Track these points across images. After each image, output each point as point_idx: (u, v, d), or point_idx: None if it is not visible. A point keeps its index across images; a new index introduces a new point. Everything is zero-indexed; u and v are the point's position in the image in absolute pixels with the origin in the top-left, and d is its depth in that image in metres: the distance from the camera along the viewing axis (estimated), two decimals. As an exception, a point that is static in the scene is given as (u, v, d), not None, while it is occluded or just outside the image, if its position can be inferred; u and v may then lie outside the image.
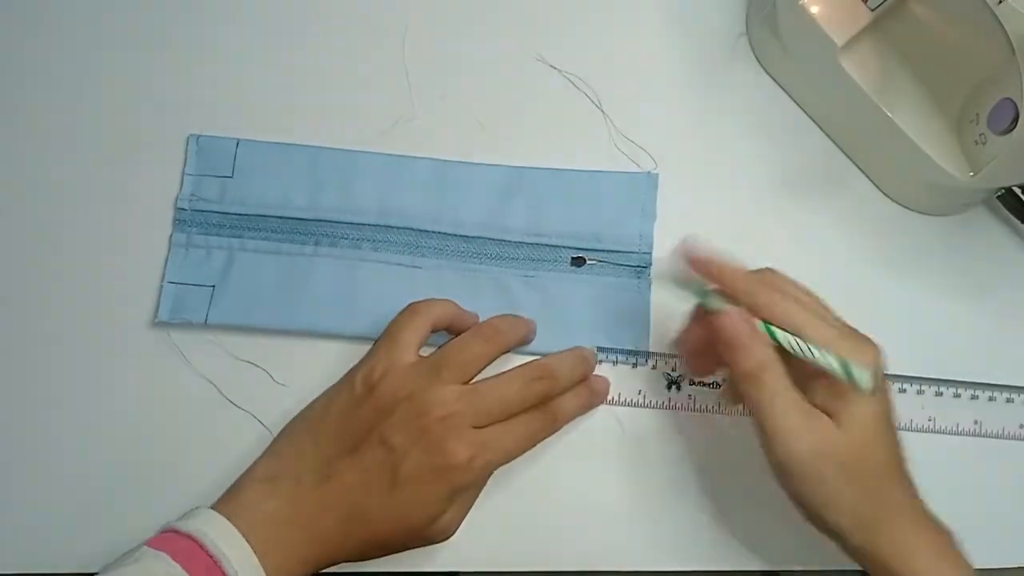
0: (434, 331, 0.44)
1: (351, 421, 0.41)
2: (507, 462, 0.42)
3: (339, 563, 0.41)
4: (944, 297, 0.50)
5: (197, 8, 0.51)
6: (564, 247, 0.48)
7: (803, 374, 0.39)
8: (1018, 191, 0.49)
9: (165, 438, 0.46)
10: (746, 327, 0.39)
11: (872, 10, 0.47)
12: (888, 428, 0.40)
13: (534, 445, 0.43)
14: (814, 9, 0.47)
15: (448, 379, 0.41)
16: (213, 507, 0.39)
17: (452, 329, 0.45)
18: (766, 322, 0.39)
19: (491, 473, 0.42)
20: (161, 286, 0.46)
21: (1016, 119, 0.42)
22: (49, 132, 0.49)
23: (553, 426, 0.44)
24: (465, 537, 0.44)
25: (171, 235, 0.47)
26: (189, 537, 0.37)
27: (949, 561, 0.39)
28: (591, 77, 0.51)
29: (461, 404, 0.41)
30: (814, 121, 0.52)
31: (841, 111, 0.50)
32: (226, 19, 0.51)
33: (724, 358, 0.40)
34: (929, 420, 0.48)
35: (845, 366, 0.37)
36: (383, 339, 0.43)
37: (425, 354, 0.43)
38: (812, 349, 0.38)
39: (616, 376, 0.47)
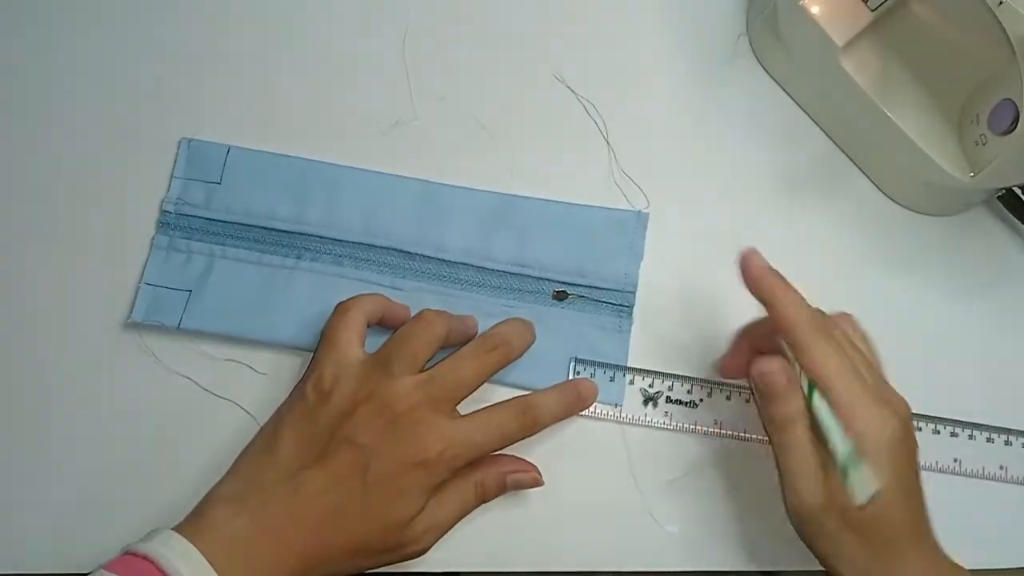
0: (368, 326, 0.44)
1: (310, 430, 0.40)
2: (477, 456, 0.41)
3: None
4: (944, 297, 0.50)
5: (196, 9, 0.51)
6: (547, 279, 0.47)
7: None
8: (1018, 191, 0.49)
9: (142, 438, 0.45)
10: (784, 378, 0.39)
11: (872, 10, 0.47)
12: (901, 488, 0.39)
13: (507, 444, 0.42)
14: (814, 9, 0.47)
15: (400, 371, 0.41)
16: (175, 528, 0.38)
17: (384, 322, 0.45)
18: (812, 385, 0.39)
19: (458, 467, 0.41)
20: (138, 287, 0.46)
21: (1016, 120, 0.42)
22: (39, 128, 0.49)
23: (530, 429, 0.43)
24: (465, 537, 0.44)
25: (153, 237, 0.47)
26: (147, 559, 0.36)
27: None
28: (590, 77, 0.51)
29: (421, 392, 0.40)
30: (814, 121, 0.52)
31: (841, 111, 0.50)
32: (225, 20, 0.51)
33: (758, 399, 0.41)
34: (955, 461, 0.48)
35: (845, 470, 0.37)
36: (323, 345, 0.43)
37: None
38: (835, 437, 0.38)
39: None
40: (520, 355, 0.44)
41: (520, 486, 0.44)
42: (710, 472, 0.46)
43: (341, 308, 0.43)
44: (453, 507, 0.42)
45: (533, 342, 0.45)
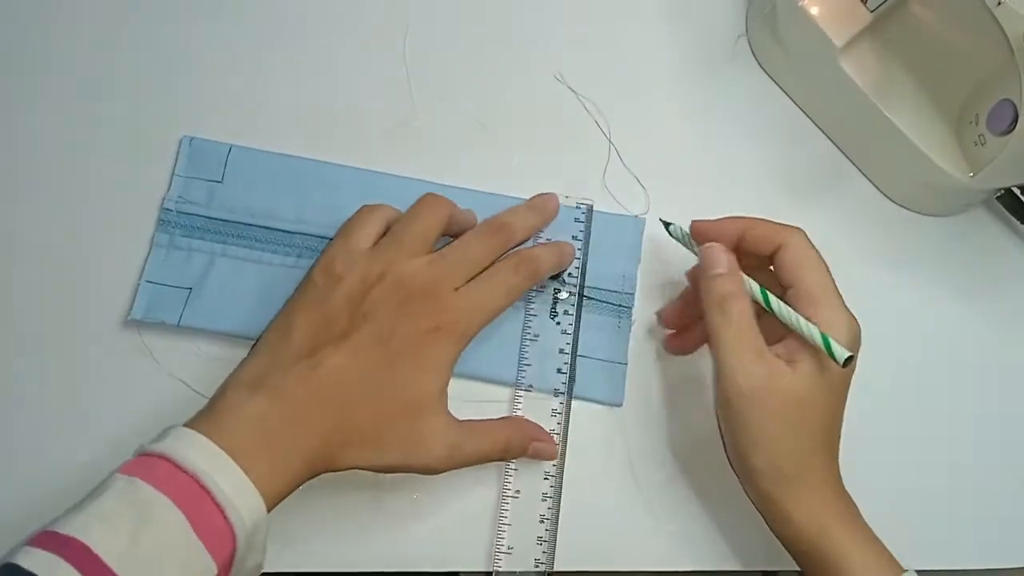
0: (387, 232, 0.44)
1: (323, 313, 0.40)
2: (490, 319, 0.42)
3: (334, 466, 0.39)
4: (944, 297, 0.50)
5: (197, 8, 0.51)
6: (547, 279, 0.47)
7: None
8: (1017, 191, 0.49)
9: (142, 437, 0.44)
10: (725, 258, 0.41)
11: (872, 11, 0.47)
12: (836, 399, 0.41)
13: (515, 298, 0.43)
14: (814, 10, 0.47)
15: (411, 251, 0.41)
16: (188, 424, 0.37)
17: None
18: (762, 287, 0.41)
19: (473, 334, 0.42)
20: (138, 284, 0.46)
21: (1015, 120, 0.42)
22: (39, 127, 0.49)
23: (532, 279, 0.44)
24: (466, 537, 0.44)
25: (154, 235, 0.47)
26: (162, 457, 0.35)
27: (855, 525, 0.40)
28: (591, 78, 0.51)
29: (433, 269, 0.41)
30: (814, 122, 0.52)
31: (841, 112, 0.50)
32: (226, 19, 0.51)
33: (699, 292, 0.42)
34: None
35: (825, 339, 0.39)
36: (337, 236, 0.43)
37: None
38: (798, 319, 0.40)
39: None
40: (523, 240, 0.45)
41: (539, 455, 0.44)
42: (709, 472, 0.46)
43: (365, 208, 0.44)
44: (481, 443, 0.42)
45: (539, 227, 0.46)
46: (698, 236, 0.44)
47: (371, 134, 0.50)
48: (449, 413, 0.41)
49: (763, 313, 0.41)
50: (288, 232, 0.47)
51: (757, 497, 0.42)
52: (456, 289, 0.41)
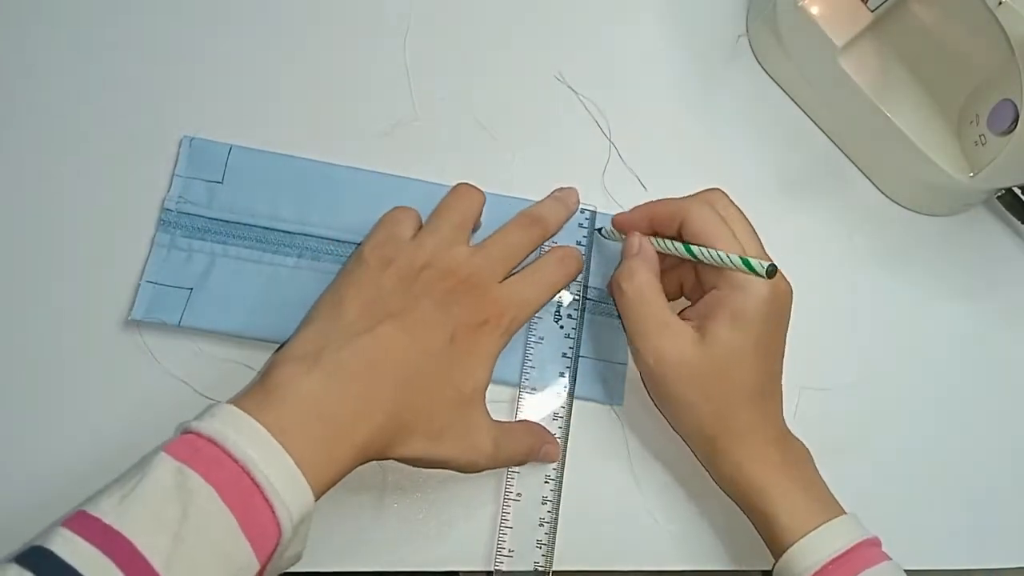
0: None
1: (375, 294, 0.40)
2: (533, 314, 0.44)
3: (386, 453, 0.38)
4: (944, 297, 0.50)
5: (198, 10, 0.51)
6: None
7: (696, 293, 0.44)
8: (1018, 191, 0.49)
9: (142, 437, 0.44)
10: (637, 241, 0.43)
11: (872, 11, 0.47)
12: (755, 353, 0.41)
13: (555, 293, 0.45)
14: (814, 10, 0.47)
15: (452, 239, 0.42)
16: (237, 402, 0.35)
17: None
18: (684, 242, 0.42)
19: (516, 329, 0.42)
20: (138, 284, 0.46)
21: (1016, 120, 0.42)
22: (40, 126, 0.48)
23: (574, 274, 0.45)
24: (466, 536, 0.44)
25: (154, 235, 0.47)
26: (211, 442, 0.33)
27: (784, 473, 0.41)
28: (590, 78, 0.51)
29: (477, 260, 0.42)
30: (814, 121, 0.52)
31: (841, 112, 0.50)
32: (227, 19, 0.51)
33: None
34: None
35: (745, 260, 0.39)
36: (380, 225, 0.43)
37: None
38: (717, 253, 0.40)
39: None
40: (557, 230, 0.46)
41: (546, 458, 0.45)
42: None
43: (400, 207, 0.44)
44: (514, 444, 0.42)
45: (567, 219, 0.47)
46: (619, 228, 0.46)
47: (371, 134, 0.50)
48: (488, 410, 0.42)
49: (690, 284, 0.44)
50: (289, 232, 0.47)
51: (701, 460, 0.43)
52: (500, 282, 0.42)
